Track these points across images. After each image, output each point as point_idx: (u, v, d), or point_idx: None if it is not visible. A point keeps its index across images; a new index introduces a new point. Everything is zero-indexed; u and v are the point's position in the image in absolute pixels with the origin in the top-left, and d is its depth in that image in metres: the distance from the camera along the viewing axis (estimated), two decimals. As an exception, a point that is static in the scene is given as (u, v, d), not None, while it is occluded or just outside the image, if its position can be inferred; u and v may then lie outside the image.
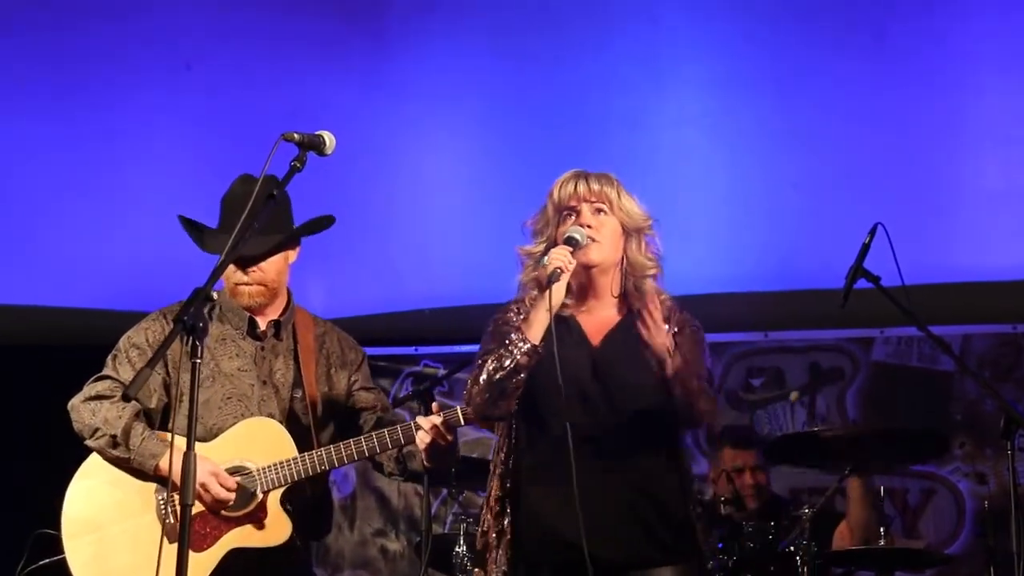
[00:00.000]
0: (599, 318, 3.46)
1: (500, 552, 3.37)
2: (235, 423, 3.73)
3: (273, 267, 3.80)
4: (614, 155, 6.25)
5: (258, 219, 3.23)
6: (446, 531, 5.55)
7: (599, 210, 3.43)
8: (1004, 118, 6.10)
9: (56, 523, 3.76)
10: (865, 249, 3.97)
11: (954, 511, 6.32)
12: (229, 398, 3.76)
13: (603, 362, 3.41)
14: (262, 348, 3.83)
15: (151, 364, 3.09)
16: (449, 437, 3.61)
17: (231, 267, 3.70)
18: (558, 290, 3.29)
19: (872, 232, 3.97)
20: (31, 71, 6.75)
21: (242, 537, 3.65)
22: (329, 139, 3.27)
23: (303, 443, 3.74)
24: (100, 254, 6.72)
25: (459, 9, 6.66)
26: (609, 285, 3.46)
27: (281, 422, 3.76)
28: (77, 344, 5.33)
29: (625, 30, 6.49)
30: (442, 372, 6.48)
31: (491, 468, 3.50)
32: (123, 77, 6.72)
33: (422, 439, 3.60)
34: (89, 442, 3.73)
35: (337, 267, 6.62)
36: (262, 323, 3.84)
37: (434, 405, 3.66)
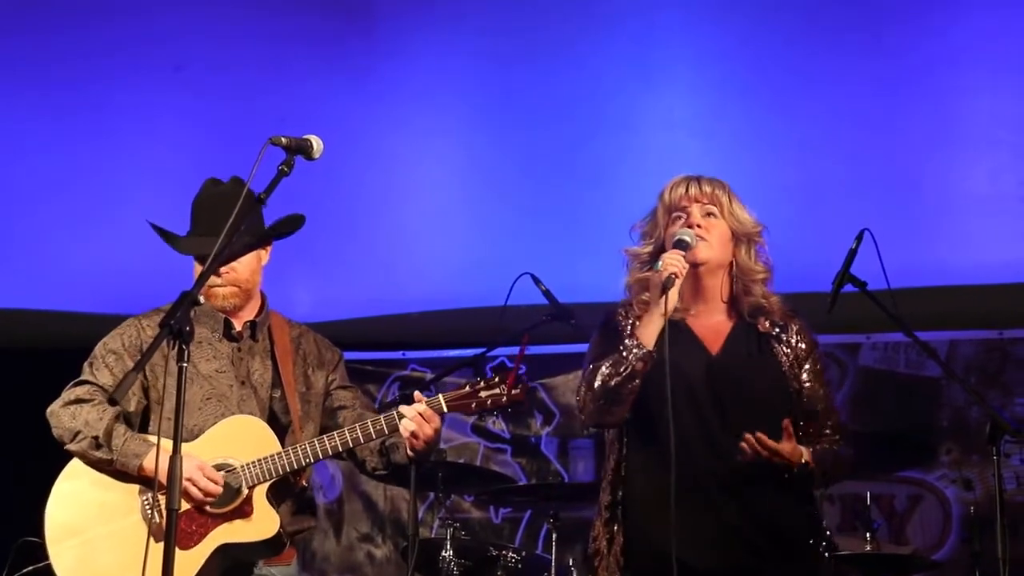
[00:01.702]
0: (710, 323, 3.43)
1: (611, 559, 3.35)
2: (216, 423, 3.72)
3: (246, 267, 3.80)
4: (605, 157, 6.26)
5: (232, 221, 3.23)
6: (433, 536, 5.53)
7: (709, 213, 3.42)
8: (991, 121, 6.12)
9: (39, 530, 3.73)
10: (852, 255, 3.96)
11: (941, 517, 6.32)
12: (208, 399, 3.75)
13: (720, 370, 3.36)
14: (239, 349, 3.83)
15: (137, 368, 3.09)
16: (433, 424, 3.60)
17: (203, 269, 3.70)
18: (672, 295, 3.26)
19: (859, 238, 3.97)
20: (25, 71, 6.73)
21: (230, 532, 3.64)
22: (317, 143, 3.27)
23: (284, 442, 3.73)
24: (86, 258, 6.70)
25: (449, 10, 6.66)
26: (718, 288, 3.44)
27: None
28: (62, 348, 5.30)
29: (616, 32, 6.50)
30: (430, 376, 6.48)
31: (602, 473, 3.49)
32: (113, 79, 6.71)
33: (406, 427, 3.59)
34: (70, 446, 3.70)
35: (323, 270, 6.61)
36: (237, 324, 3.84)
37: (416, 393, 3.64)
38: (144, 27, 6.66)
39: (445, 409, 3.62)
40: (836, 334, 6.47)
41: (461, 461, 6.44)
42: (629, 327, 3.39)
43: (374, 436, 3.69)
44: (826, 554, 3.35)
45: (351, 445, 3.69)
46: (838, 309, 3.95)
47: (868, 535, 4.97)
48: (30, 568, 4.66)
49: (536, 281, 4.55)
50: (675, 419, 3.19)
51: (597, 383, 3.31)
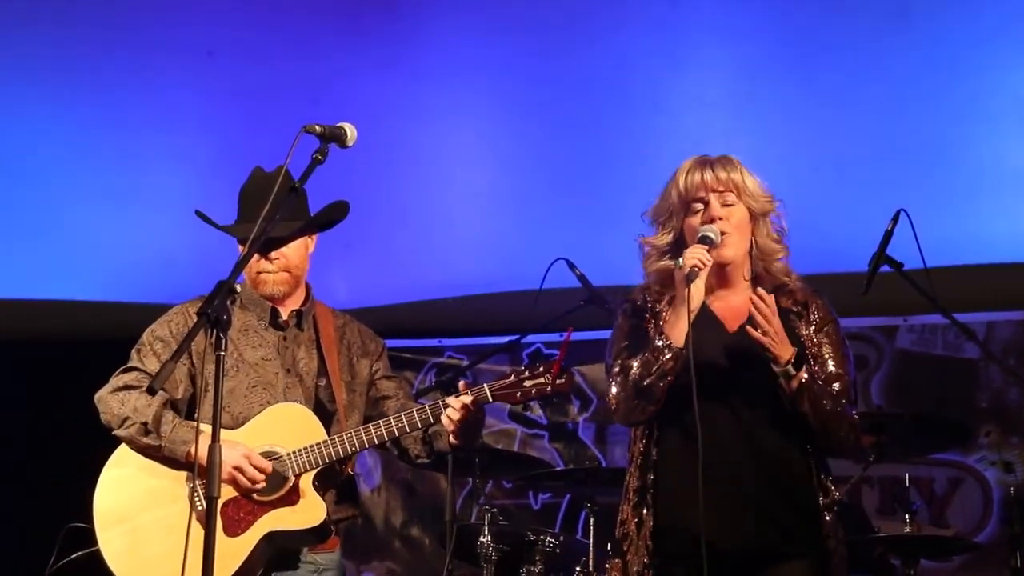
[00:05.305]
0: (733, 304, 3.45)
1: (640, 543, 3.35)
2: (261, 411, 3.76)
3: (296, 253, 3.84)
4: (634, 137, 6.25)
5: (280, 208, 3.29)
6: (471, 522, 5.55)
7: (728, 203, 3.40)
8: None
9: (86, 516, 3.77)
10: (888, 236, 3.95)
11: (981, 499, 6.28)
12: (254, 387, 3.78)
13: (737, 350, 3.37)
14: (284, 338, 3.86)
15: (175, 357, 3.12)
16: (477, 413, 3.62)
17: (254, 256, 3.72)
18: (697, 289, 3.26)
19: (895, 218, 3.95)
20: (57, 61, 6.77)
21: (277, 520, 3.67)
22: (350, 131, 3.29)
23: (329, 431, 3.76)
24: (121, 247, 6.75)
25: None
26: (741, 272, 3.46)
27: None
28: (102, 338, 5.34)
29: (646, 11, 6.48)
30: (466, 363, 6.49)
31: (628, 457, 3.50)
32: (145, 66, 6.74)
33: (450, 416, 3.62)
34: (118, 432, 3.74)
35: (360, 257, 6.63)
36: (284, 313, 3.87)
37: (461, 383, 3.66)
38: (174, 11, 6.68)
39: (490, 399, 3.63)
40: (872, 316, 6.44)
41: (499, 447, 6.46)
42: (653, 317, 3.40)
43: (419, 425, 3.71)
44: (827, 516, 3.35)
45: (396, 434, 3.71)
46: (874, 291, 3.94)
47: (908, 517, 4.94)
48: (78, 553, 4.71)
49: (571, 266, 4.56)
50: (700, 402, 3.20)
51: (630, 383, 3.32)
